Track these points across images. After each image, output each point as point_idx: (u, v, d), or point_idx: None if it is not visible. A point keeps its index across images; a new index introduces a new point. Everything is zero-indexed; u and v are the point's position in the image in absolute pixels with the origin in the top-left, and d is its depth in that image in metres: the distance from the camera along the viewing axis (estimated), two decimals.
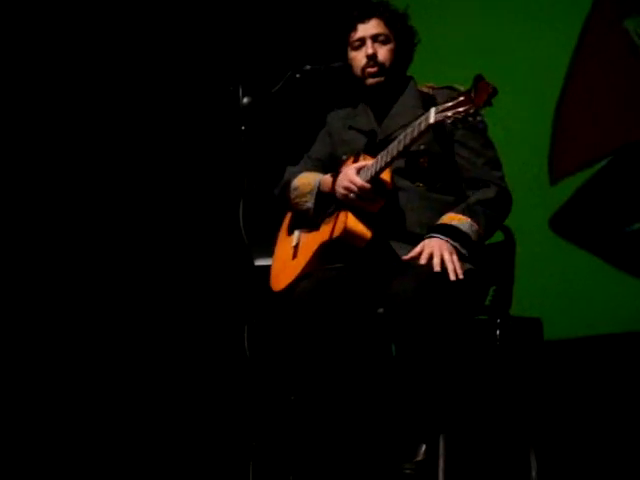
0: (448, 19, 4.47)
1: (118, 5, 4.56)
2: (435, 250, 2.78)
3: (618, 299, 4.03)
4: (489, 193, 2.93)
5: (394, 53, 3.01)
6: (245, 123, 3.00)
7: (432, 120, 2.70)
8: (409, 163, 2.93)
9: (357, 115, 3.11)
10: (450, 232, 2.83)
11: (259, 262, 3.24)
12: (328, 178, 3.00)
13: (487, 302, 3.06)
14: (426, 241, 2.82)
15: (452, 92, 2.86)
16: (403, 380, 2.75)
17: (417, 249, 2.81)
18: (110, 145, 4.52)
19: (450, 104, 2.67)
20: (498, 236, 3.15)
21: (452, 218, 2.87)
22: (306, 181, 3.06)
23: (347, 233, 2.88)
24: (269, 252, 3.18)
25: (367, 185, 2.86)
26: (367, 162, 2.92)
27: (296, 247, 3.08)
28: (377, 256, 2.92)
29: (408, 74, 3.10)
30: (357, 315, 2.86)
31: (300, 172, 3.13)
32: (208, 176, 4.52)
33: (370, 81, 3.01)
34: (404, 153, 2.82)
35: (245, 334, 2.97)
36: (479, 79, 2.63)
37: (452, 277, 2.75)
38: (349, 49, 3.05)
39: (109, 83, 4.52)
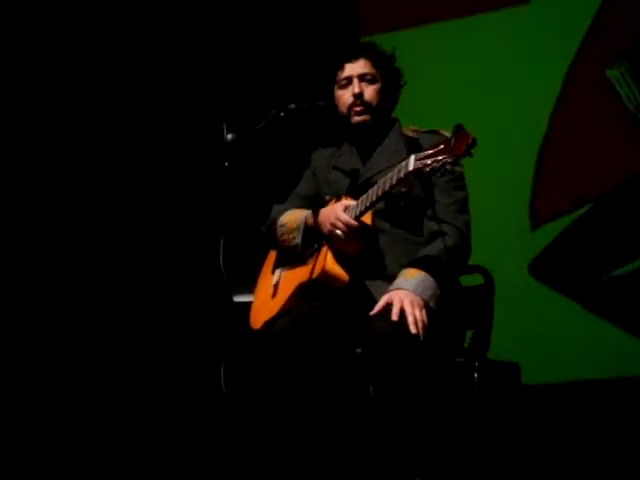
0: (435, 65, 4.52)
1: (103, 39, 4.59)
2: (395, 301, 2.72)
3: (596, 346, 4.04)
4: (451, 241, 2.88)
5: (380, 93, 3.03)
6: (228, 159, 3.00)
7: (411, 168, 2.70)
8: (389, 205, 2.93)
9: (342, 155, 3.13)
10: (415, 284, 2.78)
11: (238, 298, 3.23)
12: (311, 215, 3.01)
13: (465, 345, 3.05)
14: (392, 294, 2.76)
15: (437, 137, 2.88)
16: (380, 421, 2.73)
17: (382, 302, 2.76)
18: (91, 178, 4.51)
19: (430, 152, 2.68)
20: (478, 279, 3.16)
21: (416, 272, 2.82)
22: (293, 217, 3.06)
23: (325, 275, 2.88)
24: (248, 289, 3.18)
25: (353, 222, 2.86)
26: (352, 202, 2.93)
27: (276, 286, 3.08)
28: (356, 296, 2.91)
29: (393, 116, 3.12)
30: (335, 354, 2.85)
31: (287, 210, 3.14)
32: (190, 211, 4.52)
33: (356, 119, 3.02)
34: (384, 197, 2.83)
35: (222, 371, 2.94)
36: (459, 129, 2.64)
37: (412, 329, 2.69)
38: (336, 88, 3.06)
39: (92, 116, 4.53)
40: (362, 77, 3.02)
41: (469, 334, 3.07)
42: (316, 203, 3.10)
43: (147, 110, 4.60)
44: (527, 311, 4.17)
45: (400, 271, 2.86)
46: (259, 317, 3.06)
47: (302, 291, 2.96)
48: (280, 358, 2.82)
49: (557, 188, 4.26)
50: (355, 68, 3.03)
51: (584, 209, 4.19)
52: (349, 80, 3.03)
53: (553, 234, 4.23)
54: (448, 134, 2.87)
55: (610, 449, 3.76)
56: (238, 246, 3.04)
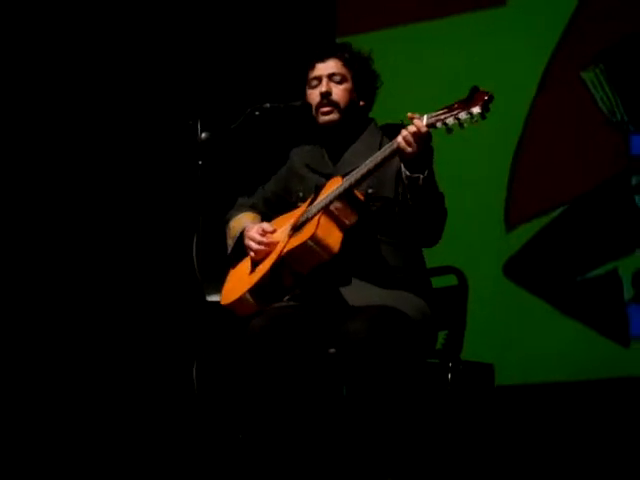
0: (411, 65, 4.53)
1: (81, 37, 4.57)
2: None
3: (569, 347, 4.06)
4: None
5: (350, 93, 3.01)
6: (202, 158, 2.98)
7: (425, 122, 2.68)
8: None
9: (314, 154, 3.11)
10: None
11: (211, 298, 3.21)
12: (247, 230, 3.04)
13: (439, 346, 3.05)
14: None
15: None
16: (353, 421, 2.73)
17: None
18: (63, 175, 4.49)
19: (444, 110, 2.67)
20: (451, 280, 3.16)
21: None
22: (237, 224, 3.09)
23: (315, 240, 2.81)
24: (221, 288, 3.16)
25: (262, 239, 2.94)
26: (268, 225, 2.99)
27: (254, 265, 3.04)
28: (330, 296, 2.91)
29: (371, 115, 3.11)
30: (309, 354, 2.84)
31: (246, 206, 3.15)
32: (163, 209, 4.51)
33: (323, 119, 3.00)
34: (388, 159, 2.78)
35: (194, 370, 2.93)
36: (475, 90, 2.64)
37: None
38: (307, 87, 3.05)
39: (64, 113, 4.51)
40: (331, 77, 3.00)
41: (442, 335, 3.07)
42: (285, 200, 3.11)
43: (120, 108, 4.58)
44: (501, 312, 4.19)
45: (372, 272, 2.87)
46: (231, 292, 3.02)
47: (281, 264, 2.89)
48: (253, 358, 2.82)
49: (532, 190, 4.27)
50: (325, 68, 3.01)
51: (558, 211, 4.21)
52: (319, 80, 3.01)
53: (528, 236, 4.24)
54: None
55: (582, 450, 3.78)
56: (211, 245, 3.03)
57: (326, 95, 2.98)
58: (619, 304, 4.05)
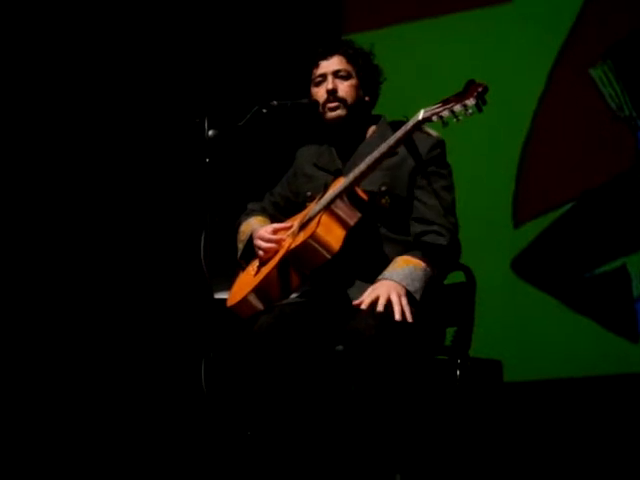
0: (418, 62, 4.53)
1: (83, 36, 4.58)
2: (382, 293, 2.75)
3: (578, 343, 4.06)
4: (441, 240, 2.87)
5: (356, 89, 3.01)
6: (210, 156, 2.98)
7: (421, 117, 2.73)
8: (371, 203, 2.92)
9: (322, 153, 3.11)
10: (403, 276, 2.79)
11: (219, 295, 3.22)
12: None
13: (447, 342, 3.05)
14: (377, 284, 2.79)
15: (423, 135, 2.88)
16: (361, 418, 2.73)
17: (369, 293, 2.78)
18: (70, 173, 4.50)
19: (439, 104, 2.71)
20: (459, 277, 3.16)
21: (407, 262, 2.83)
22: (247, 228, 3.11)
23: (315, 239, 2.81)
24: (229, 285, 3.17)
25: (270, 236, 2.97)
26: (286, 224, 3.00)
27: (260, 266, 3.06)
28: (337, 294, 2.91)
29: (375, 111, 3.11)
30: (316, 351, 2.85)
31: (255, 212, 3.18)
32: (171, 207, 4.52)
33: (330, 115, 3.00)
34: (386, 156, 2.81)
35: (202, 368, 2.93)
36: (470, 82, 2.70)
37: (397, 317, 2.72)
38: (311, 85, 3.05)
39: (72, 111, 4.52)
40: (336, 73, 3.01)
41: (451, 331, 3.07)
42: (294, 202, 3.12)
43: (128, 106, 4.59)
44: (509, 308, 4.19)
45: (379, 271, 2.86)
46: (236, 294, 3.04)
47: (285, 265, 2.91)
48: (261, 355, 2.82)
49: (540, 186, 4.27)
50: (329, 65, 3.02)
51: (567, 207, 4.21)
52: (323, 77, 3.02)
53: (536, 232, 4.24)
54: (433, 132, 2.89)
55: (591, 446, 3.77)
56: (219, 243, 3.03)
57: (332, 92, 2.99)
58: (628, 300, 4.05)
